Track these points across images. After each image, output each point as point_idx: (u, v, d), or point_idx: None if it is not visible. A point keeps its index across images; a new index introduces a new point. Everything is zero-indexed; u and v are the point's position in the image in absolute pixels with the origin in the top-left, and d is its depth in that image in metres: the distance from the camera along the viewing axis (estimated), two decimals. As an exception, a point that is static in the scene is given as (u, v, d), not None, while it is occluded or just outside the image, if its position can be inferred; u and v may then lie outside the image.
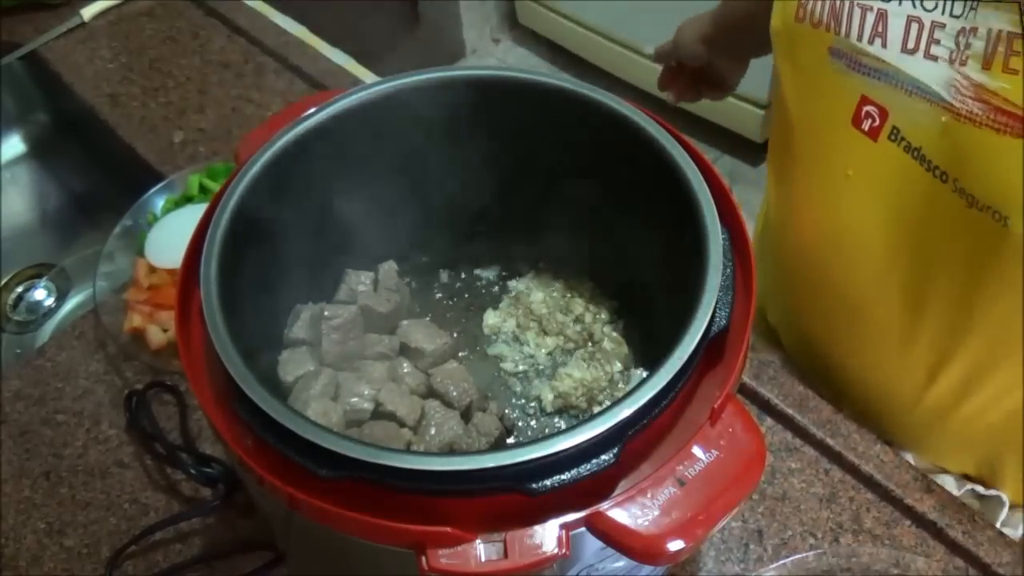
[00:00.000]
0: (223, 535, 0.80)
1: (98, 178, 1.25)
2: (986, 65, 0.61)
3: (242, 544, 0.79)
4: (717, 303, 0.53)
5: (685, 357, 0.50)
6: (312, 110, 0.65)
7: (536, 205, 0.75)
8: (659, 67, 1.00)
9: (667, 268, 0.61)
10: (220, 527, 0.80)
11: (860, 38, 0.67)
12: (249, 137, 0.67)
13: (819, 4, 0.70)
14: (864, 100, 0.69)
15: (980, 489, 0.88)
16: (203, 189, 0.99)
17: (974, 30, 0.61)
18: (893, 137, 0.69)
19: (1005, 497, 0.87)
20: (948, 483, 0.87)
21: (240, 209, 0.60)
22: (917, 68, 0.65)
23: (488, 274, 0.79)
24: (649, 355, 0.74)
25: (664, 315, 0.56)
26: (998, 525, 0.82)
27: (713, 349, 0.54)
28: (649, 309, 0.71)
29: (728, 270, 0.55)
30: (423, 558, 0.46)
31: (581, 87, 0.65)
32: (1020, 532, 0.85)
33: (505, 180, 0.72)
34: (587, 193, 0.71)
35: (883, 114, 0.69)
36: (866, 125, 0.70)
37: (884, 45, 0.66)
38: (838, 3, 0.68)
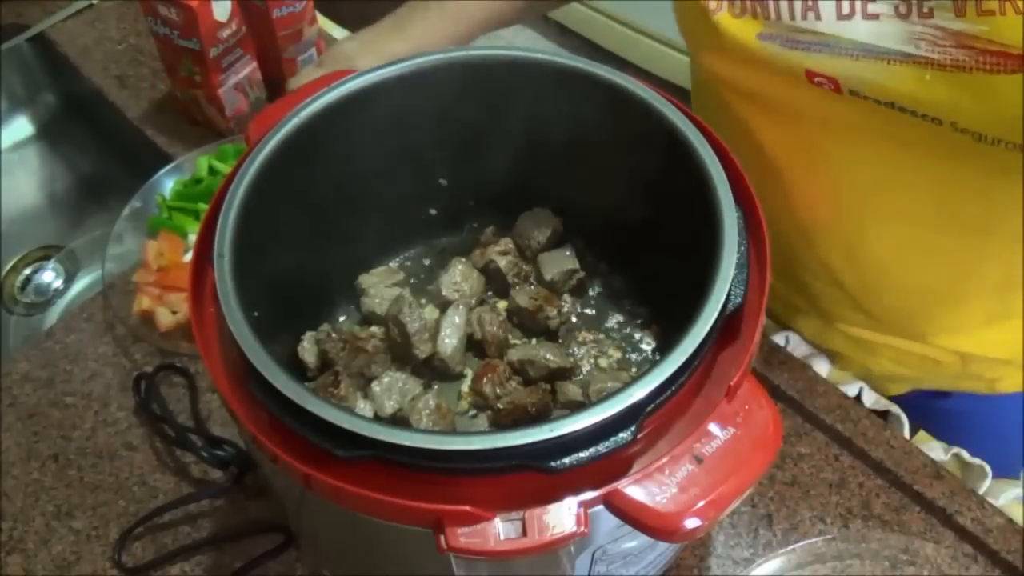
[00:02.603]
0: (233, 517, 0.80)
1: (106, 160, 1.25)
2: (959, 12, 0.61)
3: (252, 526, 0.79)
4: (733, 280, 0.53)
5: (702, 334, 0.50)
6: (323, 91, 0.65)
7: (548, 186, 0.75)
8: (668, 49, 0.99)
9: (681, 245, 0.61)
10: (230, 509, 0.80)
11: (792, 17, 0.67)
12: (260, 117, 0.67)
13: None
14: (810, 73, 0.69)
15: (965, 455, 0.89)
16: (212, 171, 0.99)
17: None
18: (855, 95, 0.68)
19: (988, 467, 0.88)
20: (935, 449, 0.87)
21: (253, 188, 0.59)
22: (858, 31, 0.65)
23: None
24: (663, 333, 0.74)
25: (678, 293, 0.56)
26: (981, 493, 0.83)
27: (729, 327, 0.54)
28: (662, 288, 0.70)
29: (743, 247, 0.55)
30: (442, 537, 0.46)
31: (594, 67, 0.65)
32: (1001, 501, 0.85)
33: (517, 160, 0.72)
34: (598, 174, 0.71)
35: (833, 81, 0.68)
36: (824, 86, 0.69)
37: (818, 17, 0.66)
38: None
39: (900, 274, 0.83)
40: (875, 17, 0.64)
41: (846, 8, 0.65)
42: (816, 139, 0.76)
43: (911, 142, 0.69)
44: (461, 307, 0.71)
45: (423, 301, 0.74)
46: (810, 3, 0.67)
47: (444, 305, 0.72)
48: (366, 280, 0.75)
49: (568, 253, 0.76)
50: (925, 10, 0.62)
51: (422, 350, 0.69)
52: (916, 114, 0.66)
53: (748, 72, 0.74)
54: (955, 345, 0.88)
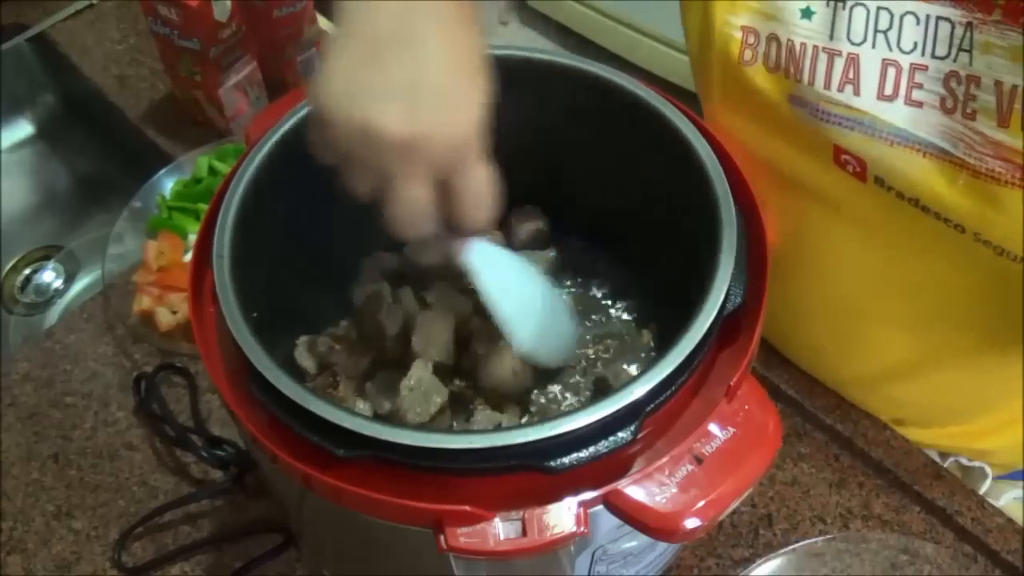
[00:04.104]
0: (233, 517, 0.80)
1: (106, 160, 1.25)
2: (1002, 122, 0.56)
3: (252, 526, 0.79)
4: (731, 280, 0.53)
5: (701, 334, 0.50)
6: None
7: (545, 185, 0.75)
8: (668, 49, 0.92)
9: (680, 245, 0.61)
10: (230, 509, 0.80)
11: (828, 86, 0.62)
12: (259, 117, 0.67)
13: (773, 46, 0.64)
14: (839, 150, 0.64)
15: (964, 460, 0.88)
16: (212, 171, 0.99)
17: (975, 80, 0.57)
18: (879, 184, 0.64)
19: (988, 468, 0.88)
20: (931, 454, 0.87)
21: (252, 188, 0.59)
22: (898, 115, 0.60)
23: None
24: (661, 332, 0.74)
25: (677, 293, 0.56)
26: (981, 494, 0.83)
27: (729, 327, 0.54)
28: (661, 287, 0.70)
29: (743, 247, 0.55)
30: (441, 537, 0.46)
31: (595, 67, 0.65)
32: (1002, 501, 0.85)
33: (516, 159, 0.72)
34: (599, 173, 0.71)
35: (861, 164, 0.63)
36: (849, 168, 0.65)
37: (856, 92, 0.61)
38: (798, 47, 0.63)
39: (893, 375, 0.80)
40: (918, 105, 0.59)
41: (889, 88, 0.60)
42: (827, 224, 0.72)
43: (927, 245, 0.65)
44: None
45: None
46: (851, 75, 0.61)
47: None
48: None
49: (552, 255, 0.76)
50: (969, 110, 0.57)
51: (395, 352, 0.68)
52: (939, 217, 0.62)
53: (768, 136, 0.69)
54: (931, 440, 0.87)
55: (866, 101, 0.61)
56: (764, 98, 0.66)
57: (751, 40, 0.65)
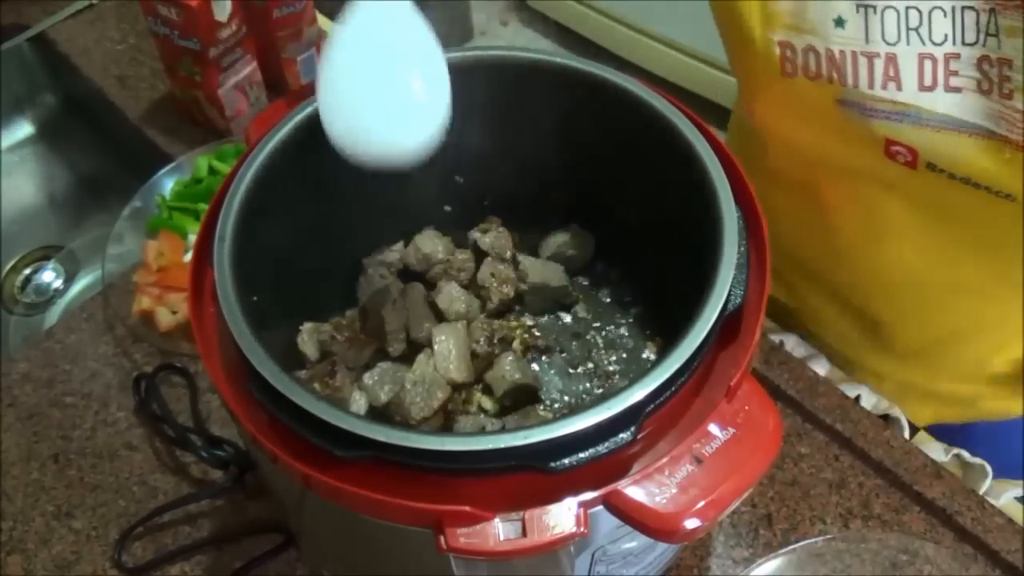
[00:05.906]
0: (233, 517, 0.80)
1: (106, 160, 1.25)
2: None
3: (252, 527, 0.79)
4: (732, 281, 0.53)
5: (702, 335, 0.50)
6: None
7: (544, 186, 0.75)
8: (668, 50, 0.96)
9: (680, 246, 0.61)
10: (230, 509, 0.80)
11: (872, 86, 0.65)
12: (259, 117, 0.67)
13: (811, 57, 0.67)
14: (890, 142, 0.68)
15: (966, 455, 0.89)
16: (212, 171, 0.99)
17: (1007, 62, 0.60)
18: (931, 168, 0.67)
19: (988, 467, 0.88)
20: (935, 449, 0.88)
21: (253, 188, 0.59)
22: (940, 103, 0.64)
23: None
24: (662, 332, 0.74)
25: (678, 294, 0.56)
26: (981, 493, 0.83)
27: (729, 327, 0.54)
28: (661, 287, 0.70)
29: (743, 247, 0.55)
30: (441, 537, 0.46)
31: (594, 67, 0.65)
32: (1002, 501, 0.85)
33: (516, 160, 0.72)
34: (599, 172, 0.71)
35: (913, 152, 0.67)
36: (900, 159, 0.68)
37: (899, 88, 0.65)
38: (837, 54, 0.66)
39: (960, 343, 0.84)
40: (957, 90, 0.63)
41: (928, 79, 0.63)
42: (884, 205, 0.75)
43: (982, 218, 0.68)
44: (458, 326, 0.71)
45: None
46: (891, 73, 0.64)
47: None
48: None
49: (561, 271, 0.75)
50: (1005, 91, 0.61)
51: (395, 348, 0.68)
52: (991, 190, 0.65)
53: (819, 135, 0.73)
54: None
55: (909, 95, 0.65)
56: (812, 103, 0.69)
57: (789, 54, 0.68)
